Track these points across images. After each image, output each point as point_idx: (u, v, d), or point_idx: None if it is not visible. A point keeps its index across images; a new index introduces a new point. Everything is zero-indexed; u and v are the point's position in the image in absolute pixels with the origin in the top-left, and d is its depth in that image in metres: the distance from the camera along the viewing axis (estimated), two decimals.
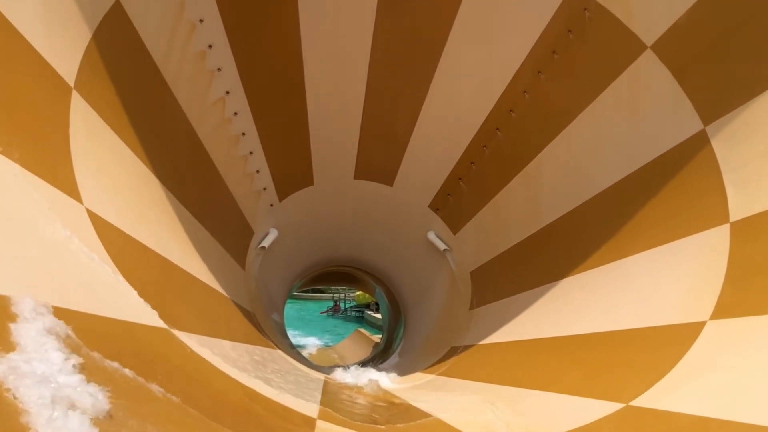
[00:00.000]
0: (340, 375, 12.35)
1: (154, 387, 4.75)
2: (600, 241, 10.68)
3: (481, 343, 12.24)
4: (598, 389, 7.85)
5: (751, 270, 7.42)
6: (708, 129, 8.88)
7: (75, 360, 3.69)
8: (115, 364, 4.43)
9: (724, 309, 7.35)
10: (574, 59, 10.98)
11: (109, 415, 3.47)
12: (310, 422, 6.58)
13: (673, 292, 8.51)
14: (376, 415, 9.02)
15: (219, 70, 11.09)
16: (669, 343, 7.66)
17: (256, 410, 6.12)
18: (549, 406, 8.12)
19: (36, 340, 3.56)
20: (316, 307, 55.56)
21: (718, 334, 7.14)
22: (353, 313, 51.82)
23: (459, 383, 10.80)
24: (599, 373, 8.38)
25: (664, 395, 6.73)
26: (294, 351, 16.13)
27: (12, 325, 3.58)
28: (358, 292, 47.67)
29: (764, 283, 7.08)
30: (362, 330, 33.46)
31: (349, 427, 6.90)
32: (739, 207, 8.07)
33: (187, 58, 10.49)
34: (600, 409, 7.15)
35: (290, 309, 46.74)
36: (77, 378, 3.51)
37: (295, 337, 32.09)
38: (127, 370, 4.53)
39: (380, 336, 27.62)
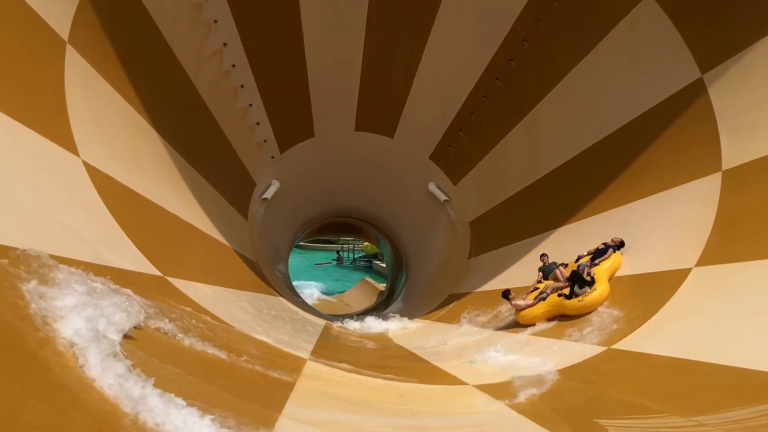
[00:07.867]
0: (341, 321, 12.77)
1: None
2: (596, 191, 10.77)
3: (477, 290, 12.52)
4: (584, 333, 8.12)
5: (737, 218, 7.53)
6: (705, 77, 8.81)
7: None
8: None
9: (709, 256, 7.51)
10: (574, 6, 10.78)
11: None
12: (300, 362, 6.92)
13: (663, 241, 8.68)
14: (369, 357, 9.39)
15: (216, 21, 11.03)
16: (655, 290, 7.87)
17: (250, 351, 6.43)
18: (537, 350, 8.41)
19: None
20: (324, 257, 56.19)
21: (701, 281, 7.33)
22: (362, 263, 52.45)
23: (454, 328, 11.11)
24: (586, 319, 8.63)
25: (644, 338, 6.97)
26: (297, 299, 16.54)
27: None
28: (366, 243, 48.01)
29: (748, 231, 7.20)
30: (368, 279, 33.66)
31: (337, 368, 7.24)
32: (732, 155, 8.10)
33: (183, 10, 10.43)
34: (583, 352, 7.42)
35: (301, 259, 47.43)
36: None
37: (302, 283, 32.36)
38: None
39: (386, 284, 28.01)
